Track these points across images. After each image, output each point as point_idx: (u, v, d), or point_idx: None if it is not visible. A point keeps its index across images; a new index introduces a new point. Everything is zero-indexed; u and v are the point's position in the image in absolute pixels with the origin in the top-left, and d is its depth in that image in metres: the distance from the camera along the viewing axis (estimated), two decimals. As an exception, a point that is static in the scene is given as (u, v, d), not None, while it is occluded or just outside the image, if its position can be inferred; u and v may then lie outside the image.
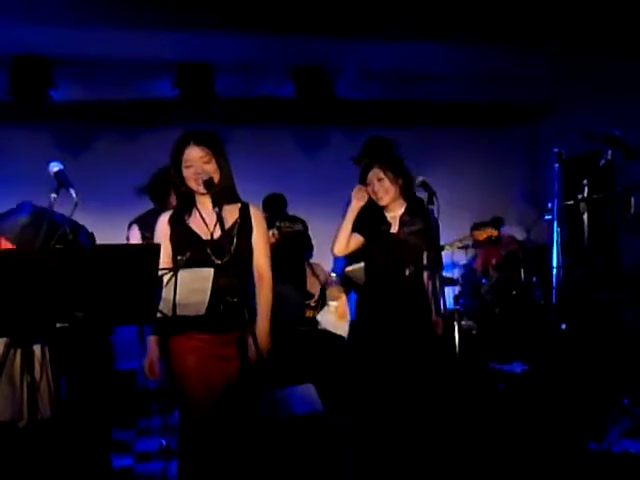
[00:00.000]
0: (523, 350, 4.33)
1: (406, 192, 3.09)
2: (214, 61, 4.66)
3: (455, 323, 4.04)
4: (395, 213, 3.09)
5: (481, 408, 3.84)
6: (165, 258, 2.34)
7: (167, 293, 2.19)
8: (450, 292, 5.17)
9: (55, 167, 2.21)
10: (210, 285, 2.26)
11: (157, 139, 5.44)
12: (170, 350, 2.44)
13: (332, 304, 2.94)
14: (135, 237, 3.22)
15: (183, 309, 2.25)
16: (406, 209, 3.08)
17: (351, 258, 3.50)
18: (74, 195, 2.15)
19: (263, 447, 2.51)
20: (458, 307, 4.53)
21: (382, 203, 3.05)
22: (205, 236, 2.41)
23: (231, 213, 2.47)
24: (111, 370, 2.88)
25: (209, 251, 2.38)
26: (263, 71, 4.81)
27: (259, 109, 5.34)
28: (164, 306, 2.20)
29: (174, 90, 4.72)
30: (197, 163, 2.42)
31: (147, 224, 3.10)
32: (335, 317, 2.88)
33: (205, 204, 2.46)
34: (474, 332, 4.24)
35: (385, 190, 3.04)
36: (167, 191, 3.21)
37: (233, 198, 2.50)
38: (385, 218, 3.09)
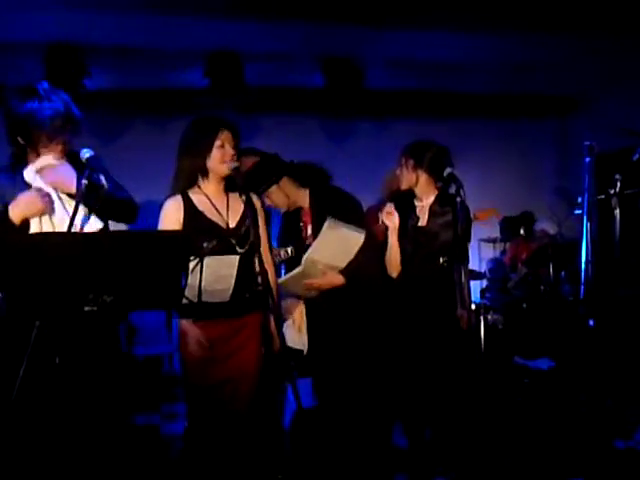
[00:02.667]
0: (550, 346, 4.27)
1: (436, 182, 3.05)
2: (244, 50, 4.67)
3: (481, 317, 4.02)
4: (424, 202, 3.07)
5: (506, 404, 3.81)
6: None
7: (193, 280, 2.22)
8: (477, 286, 5.16)
9: (87, 153, 2.23)
10: (235, 272, 2.29)
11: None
12: (181, 336, 2.44)
13: (290, 318, 2.80)
14: None
15: (209, 296, 2.29)
16: (436, 198, 3.05)
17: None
18: (104, 182, 2.18)
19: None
20: (484, 301, 4.50)
21: (400, 188, 3.05)
22: (222, 224, 2.43)
23: (237, 201, 2.49)
24: (119, 355, 2.88)
25: (233, 241, 2.40)
26: (292, 60, 4.80)
27: (288, 98, 5.34)
28: (189, 292, 2.23)
29: (204, 79, 4.75)
30: (230, 146, 2.43)
31: None
32: (294, 331, 2.79)
33: (214, 191, 2.46)
34: (500, 327, 4.17)
35: (401, 176, 3.03)
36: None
37: (236, 186, 2.51)
38: (414, 208, 3.07)
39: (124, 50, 4.48)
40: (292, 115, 5.60)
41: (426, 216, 3.02)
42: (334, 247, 2.65)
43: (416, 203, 3.08)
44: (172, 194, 2.49)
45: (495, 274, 5.00)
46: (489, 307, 4.21)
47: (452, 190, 2.79)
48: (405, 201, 3.09)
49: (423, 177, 3.02)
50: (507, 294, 4.73)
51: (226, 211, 2.44)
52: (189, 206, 2.45)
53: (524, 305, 4.46)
